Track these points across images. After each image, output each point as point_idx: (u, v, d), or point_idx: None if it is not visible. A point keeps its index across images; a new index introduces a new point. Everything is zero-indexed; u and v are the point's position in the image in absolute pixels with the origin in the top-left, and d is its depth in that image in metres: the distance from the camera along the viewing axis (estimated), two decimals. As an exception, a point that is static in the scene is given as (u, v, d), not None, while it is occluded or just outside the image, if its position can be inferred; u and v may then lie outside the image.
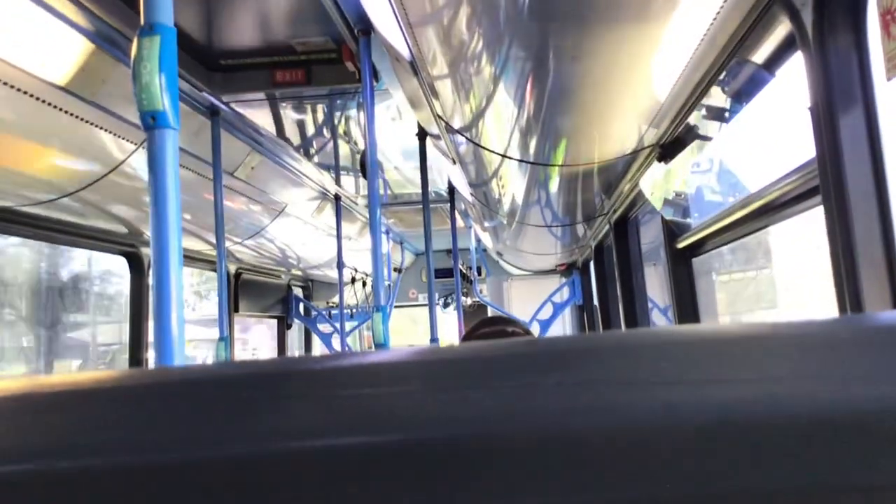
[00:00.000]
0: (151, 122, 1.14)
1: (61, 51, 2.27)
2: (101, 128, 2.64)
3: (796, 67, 1.44)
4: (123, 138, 2.77)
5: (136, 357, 3.99)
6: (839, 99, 1.27)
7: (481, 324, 2.01)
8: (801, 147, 1.52)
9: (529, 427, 0.32)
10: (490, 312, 7.83)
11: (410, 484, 0.32)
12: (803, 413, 0.31)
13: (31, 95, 2.27)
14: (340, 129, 3.93)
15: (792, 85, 1.62)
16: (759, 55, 1.64)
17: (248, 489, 0.32)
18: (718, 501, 0.31)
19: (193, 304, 8.18)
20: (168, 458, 0.33)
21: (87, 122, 2.56)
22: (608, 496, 0.31)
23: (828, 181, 1.31)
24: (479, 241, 7.21)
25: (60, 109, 2.41)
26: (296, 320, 6.73)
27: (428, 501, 0.32)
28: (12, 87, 2.19)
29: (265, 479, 0.32)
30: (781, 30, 1.49)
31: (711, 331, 0.38)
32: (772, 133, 2.23)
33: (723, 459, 0.31)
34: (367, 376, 0.36)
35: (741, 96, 1.97)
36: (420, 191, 3.88)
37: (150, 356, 4.00)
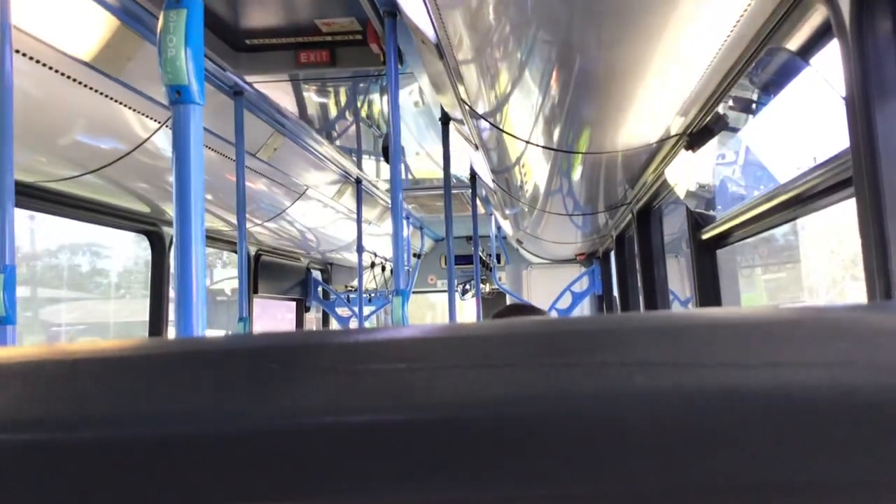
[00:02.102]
0: (176, 97, 1.13)
1: (88, 27, 2.27)
2: (126, 105, 2.65)
3: (832, 56, 1.41)
4: (148, 116, 2.78)
5: (155, 335, 4.01)
6: (876, 88, 1.24)
7: (507, 311, 1.96)
8: (829, 138, 1.49)
9: (569, 408, 0.31)
10: (508, 300, 7.82)
11: (439, 463, 0.31)
12: (875, 399, 0.30)
13: (57, 71, 2.28)
14: (363, 113, 3.91)
15: (824, 74, 1.59)
16: (793, 43, 1.60)
17: (273, 464, 0.31)
18: (770, 490, 0.30)
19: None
20: (189, 429, 0.32)
21: (111, 99, 2.56)
22: (654, 482, 0.30)
23: (861, 173, 1.28)
24: (499, 228, 7.19)
25: (86, 86, 2.42)
26: (314, 303, 6.75)
27: (458, 480, 0.31)
28: (38, 61, 2.20)
29: (290, 453, 0.31)
30: (817, 16, 1.46)
31: (758, 313, 0.37)
32: (802, 123, 2.19)
33: (777, 447, 0.30)
34: (397, 351, 0.35)
35: (774, 84, 1.94)
36: (442, 176, 3.87)
37: (171, 336, 4.02)
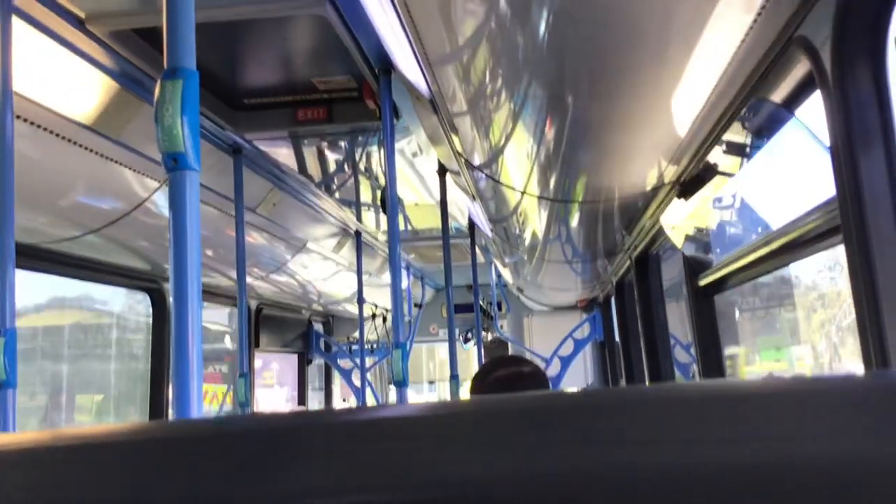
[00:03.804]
0: (173, 164, 1.16)
1: (88, 91, 2.31)
2: (126, 166, 2.68)
3: (817, 106, 1.44)
4: (147, 176, 2.81)
5: (157, 392, 4.00)
6: (859, 138, 1.26)
7: (496, 364, 1.95)
8: (819, 185, 1.51)
9: (546, 488, 0.32)
10: (511, 348, 7.79)
11: None
12: (826, 473, 0.31)
13: (58, 134, 2.32)
14: (361, 166, 3.95)
15: (810, 125, 1.61)
16: (779, 94, 1.63)
17: None
18: None
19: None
20: None
21: (111, 160, 2.60)
22: None
23: (849, 221, 1.30)
24: (499, 276, 7.19)
25: (86, 148, 2.45)
26: (316, 356, 6.73)
27: None
28: (39, 126, 2.23)
29: None
30: (800, 69, 1.49)
31: (729, 387, 0.37)
32: (794, 170, 2.21)
33: None
34: (392, 431, 0.36)
35: (761, 134, 1.96)
36: (440, 226, 3.89)
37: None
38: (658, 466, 0.32)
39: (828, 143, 1.36)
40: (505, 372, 1.85)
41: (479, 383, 1.86)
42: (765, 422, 0.33)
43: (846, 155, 1.28)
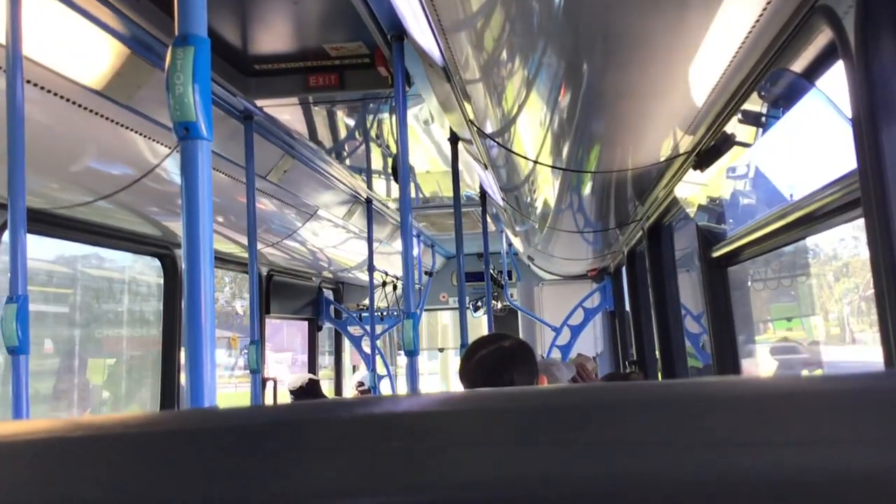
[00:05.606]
0: (185, 133, 1.14)
1: (98, 56, 2.30)
2: (137, 132, 2.67)
3: (839, 76, 1.41)
4: (158, 142, 2.80)
5: (168, 358, 4.03)
6: (882, 109, 1.23)
7: (479, 344, 2.05)
8: (839, 157, 1.49)
9: (571, 491, 0.31)
10: (520, 317, 7.81)
11: None
12: (858, 477, 0.30)
13: (69, 100, 2.30)
14: (373, 133, 3.93)
15: (830, 96, 1.59)
16: (799, 64, 1.60)
17: None
18: None
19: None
20: None
21: (122, 126, 2.59)
22: None
23: (869, 193, 1.28)
24: (510, 245, 7.18)
25: (97, 113, 2.44)
26: (326, 322, 6.76)
27: None
28: (49, 91, 2.22)
29: None
30: (822, 38, 1.46)
31: (752, 385, 0.36)
32: (812, 142, 2.19)
33: None
34: (402, 428, 0.35)
35: (780, 105, 1.93)
36: (451, 194, 3.88)
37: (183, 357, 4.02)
38: (688, 467, 0.30)
39: (849, 115, 1.34)
40: (487, 351, 1.98)
41: (466, 363, 1.99)
42: (794, 425, 0.31)
43: (868, 127, 1.26)
